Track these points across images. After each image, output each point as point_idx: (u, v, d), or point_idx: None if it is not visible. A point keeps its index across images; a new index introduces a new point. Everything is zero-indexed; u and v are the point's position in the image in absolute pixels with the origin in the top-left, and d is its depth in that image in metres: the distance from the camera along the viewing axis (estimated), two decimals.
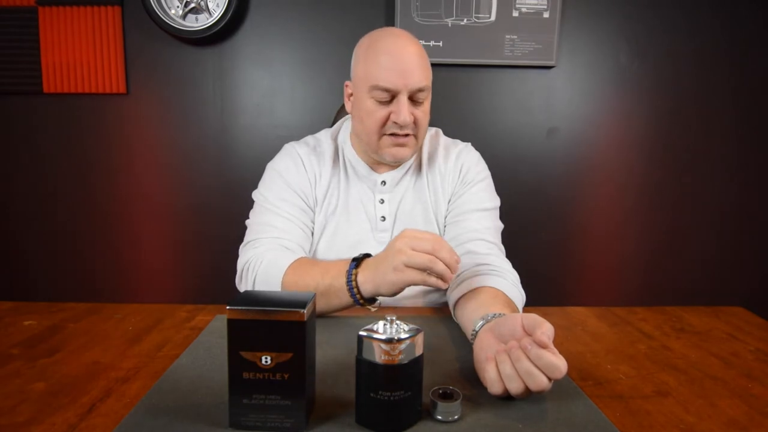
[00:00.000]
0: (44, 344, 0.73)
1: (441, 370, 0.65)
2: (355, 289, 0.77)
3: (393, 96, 0.90)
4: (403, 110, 0.89)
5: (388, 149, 0.94)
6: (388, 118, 0.91)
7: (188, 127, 1.75)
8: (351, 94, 0.99)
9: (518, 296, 0.83)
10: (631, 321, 0.88)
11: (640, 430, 0.53)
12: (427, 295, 1.01)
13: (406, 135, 0.93)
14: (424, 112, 0.93)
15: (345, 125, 1.07)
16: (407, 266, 0.70)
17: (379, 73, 0.89)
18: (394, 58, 0.89)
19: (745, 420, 0.56)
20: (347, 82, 1.00)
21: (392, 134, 0.92)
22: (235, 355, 0.50)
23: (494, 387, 0.56)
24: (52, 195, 1.77)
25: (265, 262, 0.86)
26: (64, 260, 1.79)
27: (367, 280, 0.76)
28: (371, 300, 0.79)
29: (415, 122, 0.92)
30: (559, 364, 0.53)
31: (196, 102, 1.74)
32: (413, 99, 0.91)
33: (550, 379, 0.54)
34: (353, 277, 0.77)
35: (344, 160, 1.03)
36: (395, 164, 0.99)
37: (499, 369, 0.56)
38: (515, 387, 0.54)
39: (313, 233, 1.00)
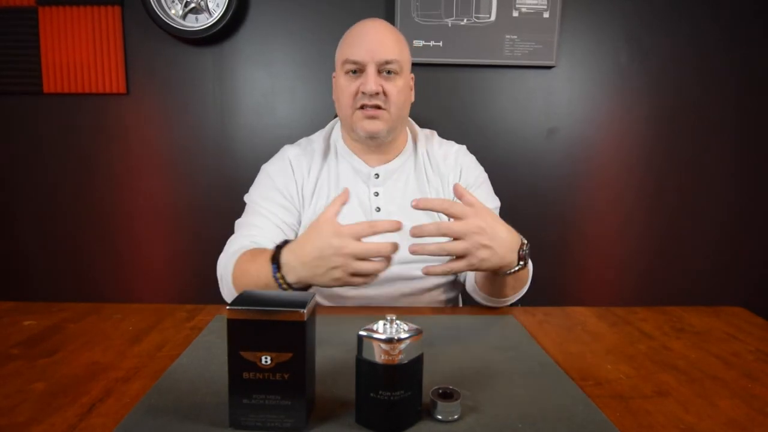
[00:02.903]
0: (44, 344, 0.73)
1: (441, 370, 0.65)
2: (284, 286, 0.77)
3: (362, 69, 0.94)
4: (369, 79, 0.93)
5: (360, 123, 0.96)
6: (358, 91, 0.95)
7: (188, 127, 1.75)
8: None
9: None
10: (632, 321, 0.88)
11: (640, 430, 0.53)
12: (427, 294, 1.01)
13: (377, 108, 0.95)
14: (396, 87, 0.96)
15: (337, 124, 1.10)
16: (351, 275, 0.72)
17: (349, 48, 0.96)
18: (363, 34, 0.96)
19: (746, 420, 0.56)
20: (333, 74, 1.03)
21: (362, 107, 0.95)
22: (235, 355, 0.50)
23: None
24: (52, 195, 1.76)
25: (222, 262, 0.96)
26: (64, 260, 1.79)
27: (293, 275, 0.76)
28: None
29: (386, 95, 0.95)
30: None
31: (196, 102, 1.73)
32: (384, 73, 0.95)
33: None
34: (281, 280, 0.77)
35: (338, 155, 1.05)
36: (371, 141, 0.99)
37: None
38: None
39: (298, 233, 1.01)
